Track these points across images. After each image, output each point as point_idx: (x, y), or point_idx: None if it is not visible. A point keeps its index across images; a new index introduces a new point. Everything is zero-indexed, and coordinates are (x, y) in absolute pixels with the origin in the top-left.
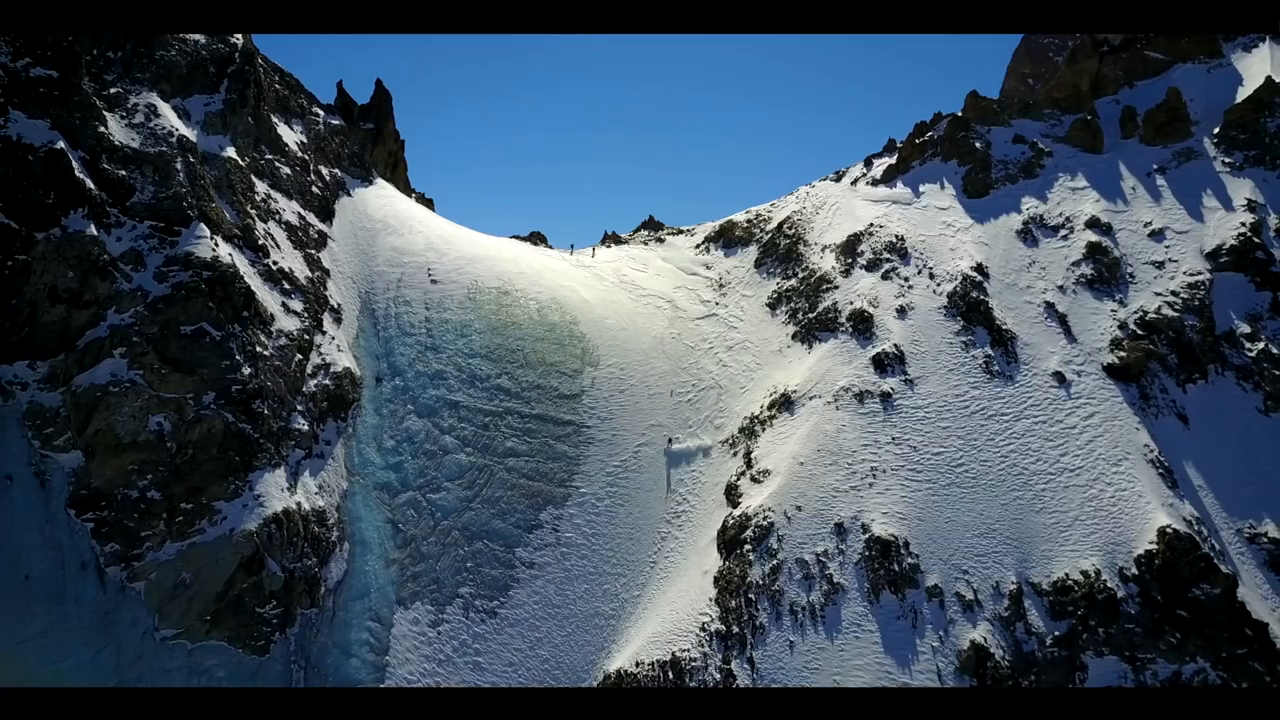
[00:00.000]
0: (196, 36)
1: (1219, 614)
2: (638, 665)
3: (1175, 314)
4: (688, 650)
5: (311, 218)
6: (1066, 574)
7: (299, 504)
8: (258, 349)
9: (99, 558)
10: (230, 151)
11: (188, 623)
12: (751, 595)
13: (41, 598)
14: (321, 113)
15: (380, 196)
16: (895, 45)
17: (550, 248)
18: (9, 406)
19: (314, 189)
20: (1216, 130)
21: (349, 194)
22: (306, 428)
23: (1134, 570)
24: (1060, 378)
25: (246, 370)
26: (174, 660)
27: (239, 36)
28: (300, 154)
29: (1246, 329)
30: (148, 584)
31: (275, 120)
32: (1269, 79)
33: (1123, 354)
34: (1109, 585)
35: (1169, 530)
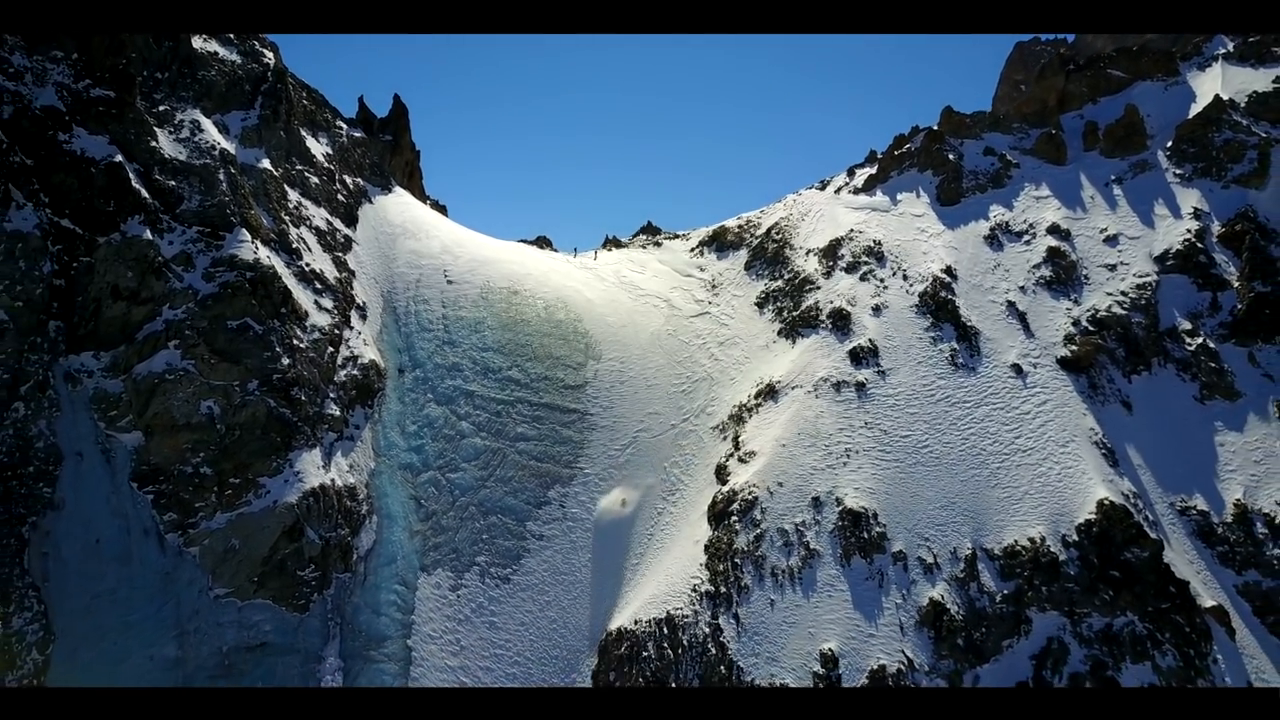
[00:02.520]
0: (234, 57)
1: (1147, 574)
2: (636, 623)
3: (1124, 312)
4: (681, 609)
5: (338, 223)
6: (1015, 540)
7: (333, 480)
8: (294, 342)
9: (159, 525)
10: (265, 163)
11: (238, 583)
12: (737, 560)
13: (110, 559)
14: (344, 126)
15: (399, 203)
16: (889, 50)
17: (555, 251)
18: (77, 392)
19: (339, 197)
20: (1169, 144)
21: (370, 201)
22: (338, 413)
23: (1074, 537)
24: (1018, 369)
25: (285, 361)
26: (226, 615)
27: (270, 56)
28: (326, 164)
29: (1187, 326)
30: (202, 549)
31: (304, 133)
32: (1217, 97)
33: (1075, 348)
34: (1052, 550)
35: (1106, 502)
